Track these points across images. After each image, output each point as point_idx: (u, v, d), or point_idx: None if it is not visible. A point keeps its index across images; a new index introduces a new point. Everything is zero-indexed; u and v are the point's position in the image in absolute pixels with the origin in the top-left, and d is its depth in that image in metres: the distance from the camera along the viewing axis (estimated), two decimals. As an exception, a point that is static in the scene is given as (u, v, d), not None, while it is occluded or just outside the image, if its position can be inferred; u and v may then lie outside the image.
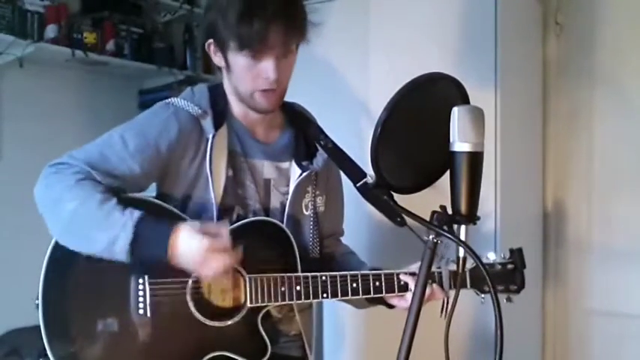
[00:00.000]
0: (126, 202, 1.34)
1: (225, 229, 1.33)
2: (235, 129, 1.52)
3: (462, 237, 1.15)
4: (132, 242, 1.28)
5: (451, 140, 1.14)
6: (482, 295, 1.51)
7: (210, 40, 1.45)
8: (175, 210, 1.44)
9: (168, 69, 3.23)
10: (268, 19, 1.35)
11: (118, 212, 1.31)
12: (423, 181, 1.28)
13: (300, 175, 1.54)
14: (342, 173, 1.63)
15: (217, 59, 1.48)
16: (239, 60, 1.41)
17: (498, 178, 2.23)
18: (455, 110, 1.14)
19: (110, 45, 3.02)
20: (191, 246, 1.29)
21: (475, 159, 1.14)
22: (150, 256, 1.32)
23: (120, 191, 1.38)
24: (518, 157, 2.43)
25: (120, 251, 1.29)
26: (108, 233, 1.29)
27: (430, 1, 2.34)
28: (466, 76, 1.31)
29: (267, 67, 1.40)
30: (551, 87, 2.67)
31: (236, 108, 1.53)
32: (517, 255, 1.52)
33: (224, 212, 1.48)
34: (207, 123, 1.46)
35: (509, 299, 1.50)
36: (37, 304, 1.34)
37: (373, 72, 2.41)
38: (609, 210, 2.57)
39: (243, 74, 1.43)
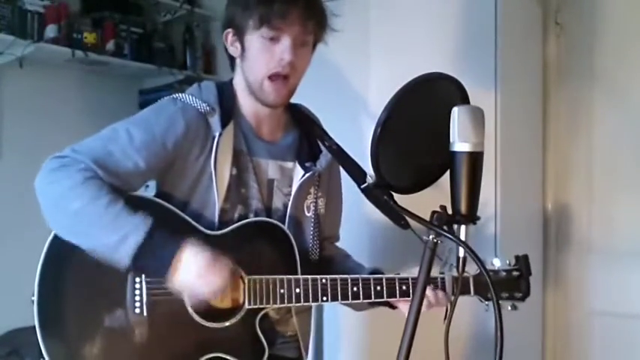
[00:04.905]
0: (131, 203, 1.34)
1: (228, 261, 1.34)
2: (242, 127, 1.52)
3: (462, 237, 1.14)
4: (140, 246, 1.28)
5: (451, 140, 1.14)
6: (487, 303, 1.50)
7: (229, 30, 1.48)
8: (177, 210, 1.43)
9: (168, 69, 3.24)
10: (288, 0, 1.39)
11: (127, 215, 1.30)
12: (423, 181, 1.28)
13: (303, 175, 1.54)
14: (342, 177, 1.63)
15: (233, 49, 1.50)
16: (256, 41, 1.43)
17: (498, 178, 2.23)
18: (455, 110, 1.13)
19: (110, 45, 3.03)
20: (194, 262, 1.30)
21: (475, 159, 1.14)
22: (152, 264, 1.33)
23: (124, 191, 1.38)
24: (518, 158, 2.42)
25: (125, 251, 1.28)
26: (117, 233, 1.28)
27: (430, 2, 2.34)
28: (466, 76, 1.30)
29: (284, 47, 1.42)
30: (551, 87, 2.67)
31: (245, 104, 1.53)
32: (523, 262, 1.51)
33: (225, 211, 1.47)
34: (215, 121, 1.46)
35: (514, 307, 1.49)
36: (33, 301, 1.34)
37: (373, 72, 2.41)
38: (609, 210, 2.56)
39: (258, 57, 1.44)
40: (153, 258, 1.31)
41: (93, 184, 1.32)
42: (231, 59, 1.53)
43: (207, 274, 1.31)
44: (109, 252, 1.30)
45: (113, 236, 1.29)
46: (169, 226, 1.38)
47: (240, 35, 1.46)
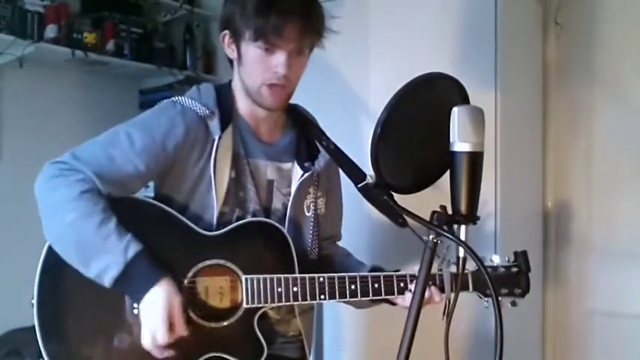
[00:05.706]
0: (130, 206, 1.33)
1: (185, 331, 1.33)
2: (240, 129, 1.52)
3: (462, 237, 1.15)
4: (118, 277, 1.29)
5: (451, 140, 1.14)
6: (486, 299, 1.49)
7: (226, 31, 1.48)
8: (175, 213, 1.43)
9: (168, 69, 3.24)
10: (286, 13, 1.37)
11: (115, 239, 1.30)
12: (423, 181, 1.28)
13: (302, 175, 1.54)
14: (341, 176, 1.63)
15: (230, 51, 1.49)
16: (251, 51, 1.42)
17: (498, 178, 2.23)
18: (455, 110, 1.14)
19: (110, 45, 3.03)
20: (157, 308, 1.30)
21: (475, 159, 1.14)
22: (128, 294, 1.35)
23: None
24: (518, 157, 2.42)
25: (106, 279, 1.30)
26: (100, 260, 1.29)
27: (430, 2, 2.34)
28: (466, 76, 1.31)
29: (279, 61, 1.41)
30: (551, 87, 2.67)
31: (242, 105, 1.53)
32: (522, 258, 1.50)
33: (224, 214, 1.47)
34: (214, 124, 1.46)
35: (513, 303, 1.48)
36: (33, 304, 1.34)
37: (373, 72, 2.41)
38: (609, 209, 2.57)
39: (254, 66, 1.44)
40: (130, 286, 1.32)
41: (88, 198, 1.32)
42: (230, 59, 1.53)
43: (163, 325, 1.30)
44: (92, 276, 1.31)
45: (97, 263, 1.30)
46: (167, 229, 1.39)
47: (236, 40, 1.45)
